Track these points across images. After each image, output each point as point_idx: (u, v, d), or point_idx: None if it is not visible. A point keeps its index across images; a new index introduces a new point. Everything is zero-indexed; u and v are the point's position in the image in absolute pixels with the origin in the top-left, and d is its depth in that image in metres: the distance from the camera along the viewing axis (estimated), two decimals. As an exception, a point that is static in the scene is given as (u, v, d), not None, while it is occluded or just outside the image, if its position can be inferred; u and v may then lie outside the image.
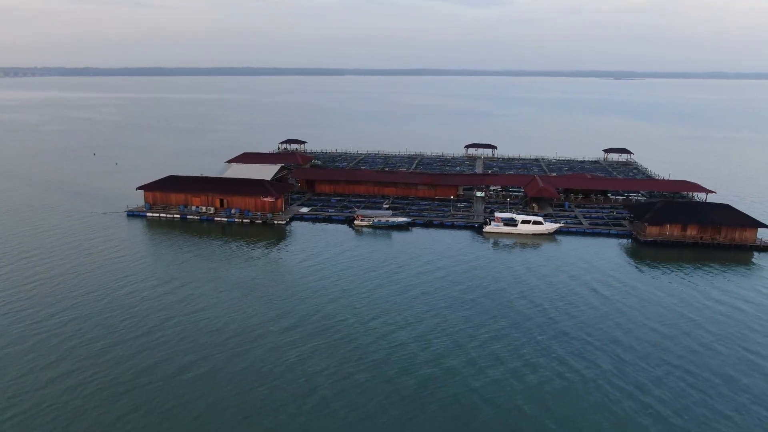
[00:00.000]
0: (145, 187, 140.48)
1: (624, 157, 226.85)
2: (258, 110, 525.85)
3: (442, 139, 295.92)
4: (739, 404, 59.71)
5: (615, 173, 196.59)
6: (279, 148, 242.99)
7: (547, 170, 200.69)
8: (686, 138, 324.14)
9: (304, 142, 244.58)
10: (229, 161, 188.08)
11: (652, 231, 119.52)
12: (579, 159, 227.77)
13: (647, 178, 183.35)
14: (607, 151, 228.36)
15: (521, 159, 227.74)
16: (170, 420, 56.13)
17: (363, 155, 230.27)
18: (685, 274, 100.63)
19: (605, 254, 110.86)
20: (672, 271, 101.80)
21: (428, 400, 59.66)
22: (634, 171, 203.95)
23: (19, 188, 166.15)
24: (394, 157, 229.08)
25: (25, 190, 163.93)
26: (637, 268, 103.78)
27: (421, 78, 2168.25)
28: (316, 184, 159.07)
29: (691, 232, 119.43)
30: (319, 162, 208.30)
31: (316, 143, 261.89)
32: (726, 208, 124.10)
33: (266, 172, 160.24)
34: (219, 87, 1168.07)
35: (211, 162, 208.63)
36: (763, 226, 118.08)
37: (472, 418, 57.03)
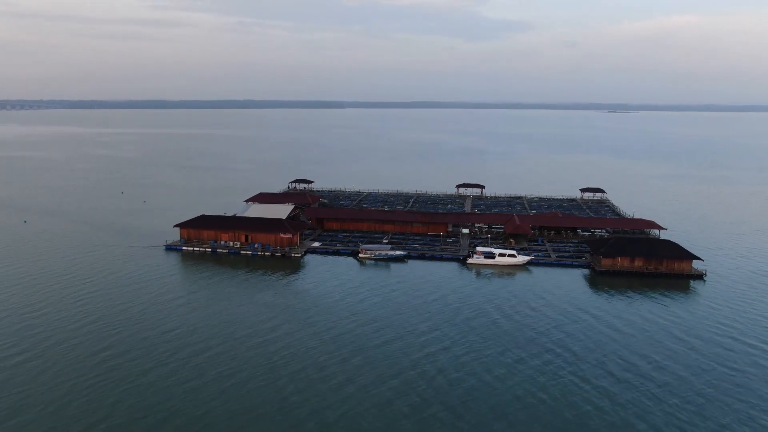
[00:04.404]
0: (181, 225, 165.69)
1: (598, 196, 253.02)
2: (266, 147, 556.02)
3: (436, 177, 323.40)
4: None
5: (589, 211, 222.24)
6: (289, 188, 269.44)
7: (528, 208, 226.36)
8: (662, 176, 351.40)
9: (311, 182, 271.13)
10: (248, 200, 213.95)
11: (606, 262, 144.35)
12: (558, 197, 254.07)
13: (613, 216, 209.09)
14: (583, 190, 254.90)
15: (506, 197, 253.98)
16: (190, 383, 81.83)
17: (365, 194, 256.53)
18: (629, 297, 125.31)
19: (565, 282, 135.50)
20: (616, 295, 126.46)
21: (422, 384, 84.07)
22: (606, 209, 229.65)
23: (62, 225, 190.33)
24: (393, 195, 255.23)
25: (69, 226, 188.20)
26: (591, 293, 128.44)
27: (419, 111, 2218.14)
28: (325, 221, 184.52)
29: (638, 263, 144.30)
30: (326, 201, 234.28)
31: (322, 182, 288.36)
32: (668, 243, 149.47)
33: (282, 211, 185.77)
34: (225, 121, 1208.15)
35: (230, 200, 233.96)
36: (697, 258, 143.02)
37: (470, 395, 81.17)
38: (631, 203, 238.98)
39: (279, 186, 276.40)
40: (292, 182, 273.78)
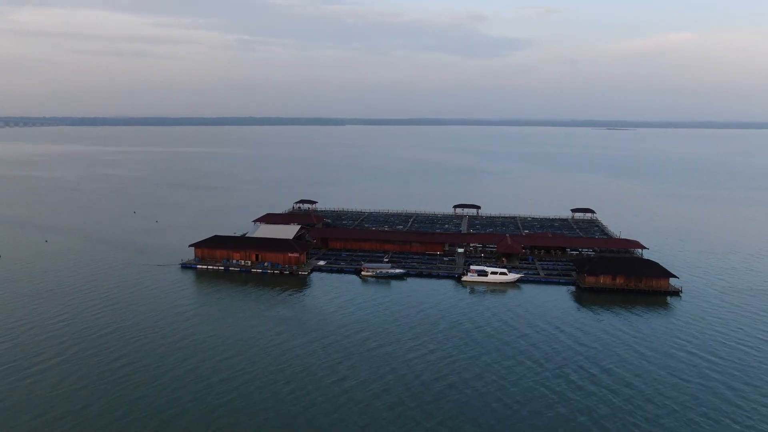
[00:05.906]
0: (196, 245, 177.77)
1: (588, 216, 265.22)
2: (269, 166, 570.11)
3: (434, 197, 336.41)
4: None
5: (578, 231, 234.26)
6: (294, 208, 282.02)
7: (521, 228, 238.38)
8: (651, 195, 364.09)
9: (315, 202, 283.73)
10: (256, 221, 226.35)
11: (589, 280, 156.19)
12: (550, 217, 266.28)
13: (600, 236, 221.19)
14: (574, 210, 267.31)
15: (501, 217, 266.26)
16: (189, 378, 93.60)
17: (366, 213, 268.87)
18: (606, 312, 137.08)
19: (550, 298, 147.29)
20: (595, 310, 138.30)
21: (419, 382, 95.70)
22: (595, 228, 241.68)
23: (80, 244, 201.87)
24: (393, 215, 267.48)
25: (87, 245, 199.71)
26: (573, 309, 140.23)
27: (419, 128, 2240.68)
28: (330, 241, 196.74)
29: (619, 280, 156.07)
30: (329, 221, 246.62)
31: (325, 202, 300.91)
32: (648, 261, 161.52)
33: (289, 231, 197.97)
34: (228, 139, 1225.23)
35: (238, 220, 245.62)
36: (673, 276, 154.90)
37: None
38: (618, 223, 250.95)
39: (284, 205, 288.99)
40: (296, 202, 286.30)
